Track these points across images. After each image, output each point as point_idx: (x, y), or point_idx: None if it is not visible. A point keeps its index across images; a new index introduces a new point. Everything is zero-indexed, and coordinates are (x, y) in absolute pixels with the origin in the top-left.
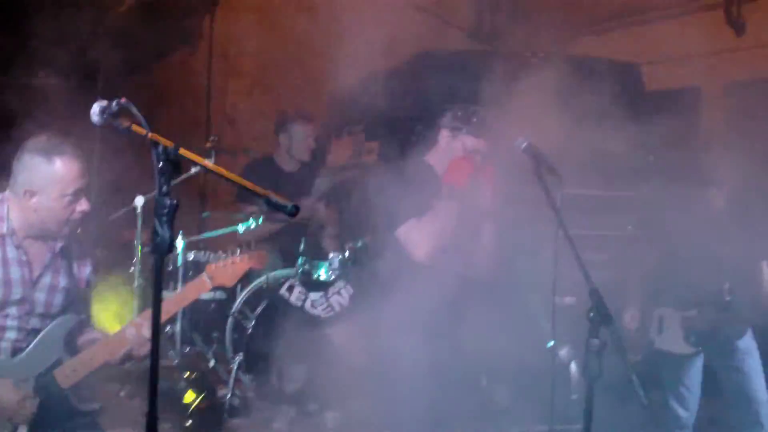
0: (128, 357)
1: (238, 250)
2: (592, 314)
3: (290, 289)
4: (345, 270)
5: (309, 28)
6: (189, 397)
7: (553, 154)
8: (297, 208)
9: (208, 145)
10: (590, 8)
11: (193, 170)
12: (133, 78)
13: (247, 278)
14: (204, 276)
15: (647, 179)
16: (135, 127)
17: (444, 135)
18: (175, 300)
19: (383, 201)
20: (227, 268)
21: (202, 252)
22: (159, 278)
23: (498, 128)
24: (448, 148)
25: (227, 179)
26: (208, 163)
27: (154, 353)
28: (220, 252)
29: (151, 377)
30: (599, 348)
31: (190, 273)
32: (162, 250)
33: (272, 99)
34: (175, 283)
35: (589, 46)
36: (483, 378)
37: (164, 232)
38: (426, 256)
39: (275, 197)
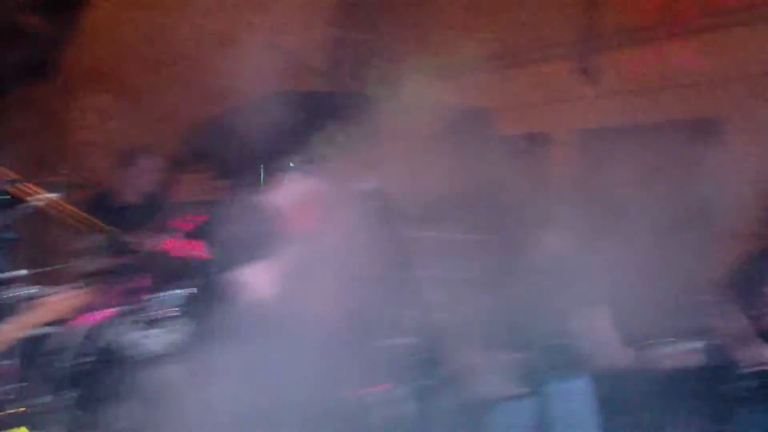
0: None
1: (75, 286)
2: (419, 354)
3: (126, 325)
4: (184, 307)
5: (165, 60)
6: None
7: (403, 196)
8: (117, 236)
9: (58, 178)
10: (445, 56)
11: (33, 204)
12: None
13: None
14: (40, 307)
15: (495, 222)
16: None
17: (290, 177)
18: (9, 330)
19: (227, 242)
20: (64, 301)
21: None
22: None
23: (350, 171)
24: (293, 190)
25: (66, 213)
26: (45, 196)
27: None
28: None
29: None
30: (426, 388)
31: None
32: None
33: (126, 132)
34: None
35: (444, 92)
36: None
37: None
38: (267, 301)
39: (98, 225)
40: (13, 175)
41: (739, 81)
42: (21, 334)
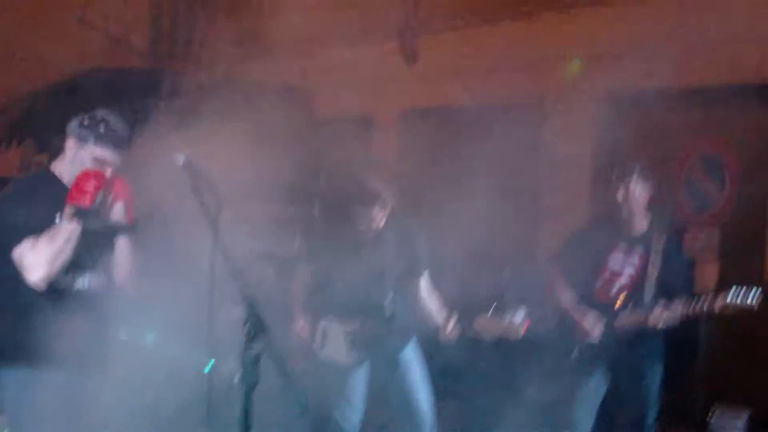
0: None
1: None
2: (247, 325)
3: None
4: None
5: None
6: None
7: (219, 172)
8: None
9: None
10: (259, 36)
11: None
12: None
13: None
14: None
15: (315, 199)
16: None
17: (70, 144)
18: None
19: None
20: None
21: None
22: None
23: (159, 144)
24: (74, 158)
25: None
26: None
27: None
28: None
29: None
30: (255, 357)
31: None
32: None
33: None
34: None
35: (261, 71)
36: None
37: None
38: (41, 281)
39: None
40: None
41: (550, 62)
42: None
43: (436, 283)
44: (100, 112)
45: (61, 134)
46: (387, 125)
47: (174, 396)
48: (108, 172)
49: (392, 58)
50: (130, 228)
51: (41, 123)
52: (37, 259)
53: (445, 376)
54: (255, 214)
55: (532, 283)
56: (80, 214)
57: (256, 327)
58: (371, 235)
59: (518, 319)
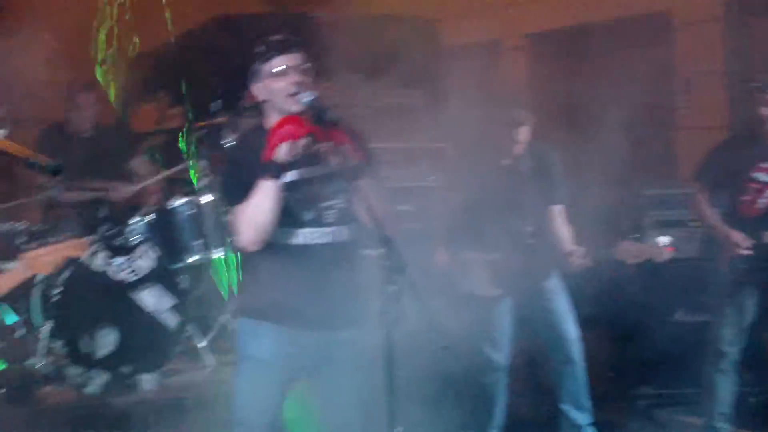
0: None
1: (52, 239)
2: (386, 262)
3: (94, 254)
4: (149, 233)
5: None
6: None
7: (349, 109)
8: (59, 167)
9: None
10: None
11: None
12: None
13: None
14: (21, 264)
15: (447, 131)
16: None
17: (256, 89)
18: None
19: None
20: (47, 255)
21: (9, 223)
22: None
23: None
24: (270, 97)
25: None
26: None
27: None
28: (24, 222)
29: None
30: (395, 294)
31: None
32: None
33: (68, 69)
34: None
35: (384, 4)
36: None
37: None
38: (250, 245)
39: (36, 159)
40: None
41: None
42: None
43: (577, 209)
44: (256, 47)
45: (192, 83)
46: (515, 49)
47: None
48: (305, 77)
49: None
50: (362, 168)
51: (173, 76)
52: (241, 223)
53: (591, 304)
54: (387, 149)
55: (673, 201)
56: (273, 168)
57: (395, 264)
58: (510, 163)
59: (663, 242)
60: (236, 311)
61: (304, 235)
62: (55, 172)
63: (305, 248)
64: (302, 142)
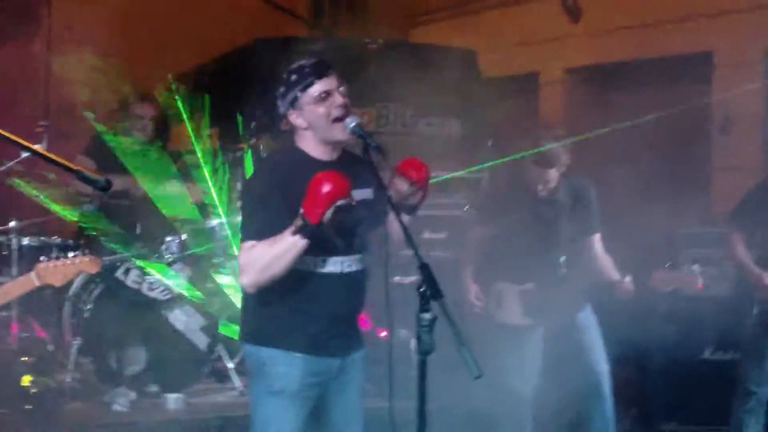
0: None
1: (71, 254)
2: (422, 289)
3: (127, 271)
4: (182, 252)
5: (147, 13)
6: (27, 381)
7: (389, 136)
8: (109, 183)
9: (39, 130)
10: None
11: (23, 155)
12: None
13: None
14: (32, 274)
15: (486, 160)
16: None
17: (293, 117)
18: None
19: None
20: (58, 269)
21: (37, 237)
22: None
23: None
24: (309, 122)
25: (43, 158)
26: (24, 142)
27: None
28: (56, 237)
29: None
30: (430, 322)
31: (25, 259)
32: None
33: (112, 83)
34: (10, 267)
35: (426, 35)
36: None
37: None
38: (248, 286)
39: (86, 172)
40: None
41: (722, 15)
42: (9, 297)
43: (610, 241)
44: (284, 73)
45: (230, 104)
46: (553, 83)
47: None
48: (347, 100)
49: (556, 16)
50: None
51: (212, 94)
52: (250, 263)
53: (620, 339)
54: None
55: (707, 240)
56: (310, 229)
57: (430, 292)
58: (545, 195)
59: (696, 270)
60: (254, 338)
61: (336, 264)
62: (104, 187)
63: (337, 276)
64: (347, 200)
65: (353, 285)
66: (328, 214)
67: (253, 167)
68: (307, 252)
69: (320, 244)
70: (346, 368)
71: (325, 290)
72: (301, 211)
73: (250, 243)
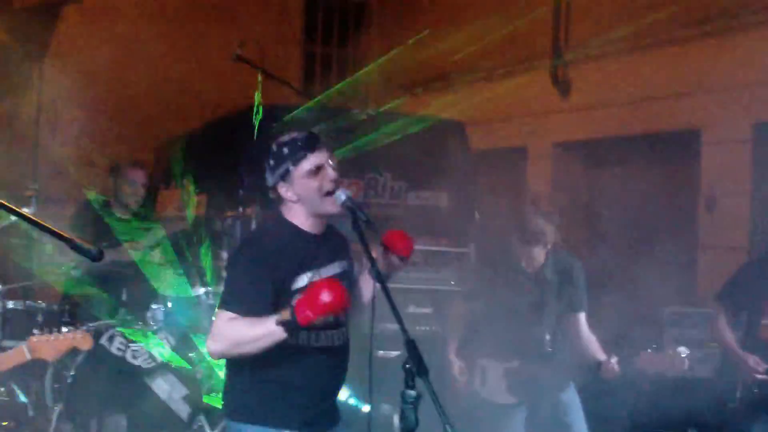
0: None
1: (64, 329)
2: (407, 366)
3: (111, 338)
4: (167, 320)
5: (135, 79)
6: None
7: (378, 208)
8: (101, 253)
9: (29, 193)
10: (416, 69)
11: (12, 218)
12: None
13: None
14: (24, 347)
15: (472, 234)
16: None
17: (282, 189)
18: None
19: None
20: (51, 344)
21: (23, 301)
22: None
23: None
24: (300, 194)
25: (30, 223)
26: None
27: None
28: (41, 302)
29: None
30: (414, 399)
31: (9, 323)
32: None
33: (100, 148)
34: None
35: (415, 105)
36: None
37: None
38: (214, 355)
39: (78, 242)
40: None
41: (711, 92)
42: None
43: (595, 320)
44: (274, 143)
45: (218, 172)
46: (541, 157)
47: None
48: (338, 174)
49: (546, 90)
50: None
51: (200, 161)
52: (225, 334)
53: (604, 419)
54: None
55: (692, 320)
56: (295, 328)
57: (416, 369)
58: (531, 271)
59: (682, 353)
60: (240, 414)
61: (327, 338)
62: (95, 257)
63: (327, 350)
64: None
65: (340, 358)
66: (318, 321)
67: (241, 237)
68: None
69: None
70: None
71: (315, 364)
72: (293, 306)
73: (229, 314)
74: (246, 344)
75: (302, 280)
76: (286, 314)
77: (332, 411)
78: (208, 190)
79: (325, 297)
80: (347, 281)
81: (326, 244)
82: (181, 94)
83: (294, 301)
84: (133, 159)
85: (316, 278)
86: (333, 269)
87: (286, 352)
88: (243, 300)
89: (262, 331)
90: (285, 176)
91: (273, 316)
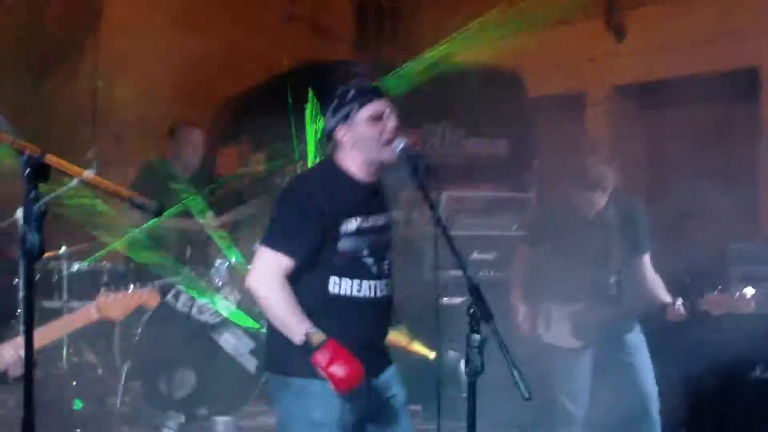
0: (4, 376)
1: (132, 286)
2: (471, 310)
3: (177, 295)
4: (232, 276)
5: (190, 41)
6: (77, 405)
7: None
8: (162, 207)
9: (89, 156)
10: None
11: (74, 182)
12: (18, 94)
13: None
14: (91, 307)
15: (532, 182)
16: (1, 136)
17: (340, 133)
18: (58, 326)
19: None
20: (117, 302)
21: (87, 263)
22: (29, 284)
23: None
24: (357, 139)
25: (94, 185)
26: (77, 169)
27: (28, 363)
28: (105, 262)
29: (26, 388)
30: (480, 343)
31: (75, 285)
32: (32, 257)
33: (159, 112)
34: (61, 293)
35: (471, 55)
36: None
37: (33, 238)
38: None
39: (139, 198)
40: (36, 150)
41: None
42: (70, 329)
43: (659, 260)
44: (340, 87)
45: (275, 129)
46: (600, 102)
47: None
48: (398, 124)
49: (601, 35)
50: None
51: (256, 121)
52: (269, 287)
53: (670, 359)
54: (472, 198)
55: (756, 256)
56: (309, 347)
57: (480, 313)
58: (592, 216)
59: (748, 293)
60: (285, 368)
61: (369, 288)
62: (157, 212)
63: (370, 301)
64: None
65: (383, 310)
66: (321, 373)
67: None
68: (343, 274)
69: (356, 267)
70: (380, 389)
71: (356, 315)
72: (320, 345)
73: (273, 253)
74: (272, 315)
75: (351, 224)
76: (316, 337)
77: (376, 360)
78: (267, 147)
79: (339, 371)
80: (389, 233)
81: (376, 193)
82: (236, 54)
83: (324, 345)
84: (190, 120)
85: (365, 225)
86: (380, 219)
87: (326, 303)
88: (289, 239)
89: (288, 320)
90: (347, 117)
91: (308, 324)
